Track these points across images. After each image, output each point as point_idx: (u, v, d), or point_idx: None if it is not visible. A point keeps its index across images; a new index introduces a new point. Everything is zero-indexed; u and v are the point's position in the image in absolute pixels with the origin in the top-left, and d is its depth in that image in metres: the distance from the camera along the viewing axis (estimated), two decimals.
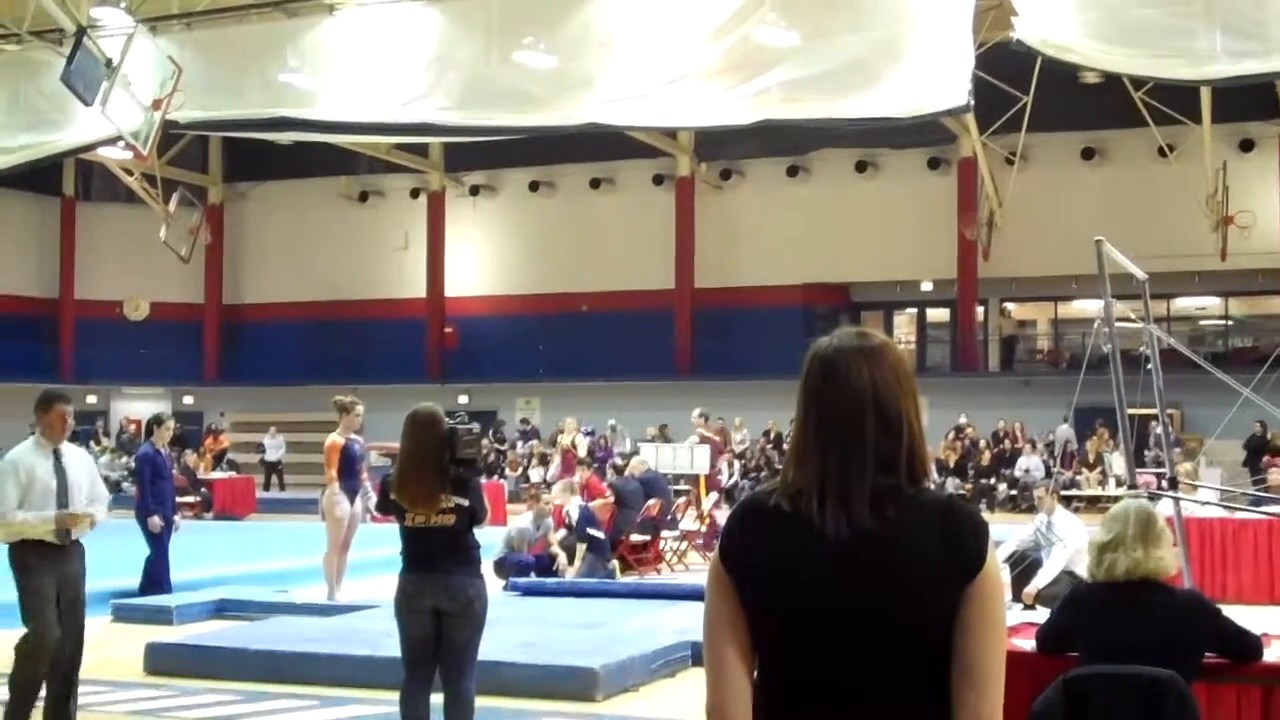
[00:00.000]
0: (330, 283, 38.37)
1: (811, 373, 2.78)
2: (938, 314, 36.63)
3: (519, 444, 32.56)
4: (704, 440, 22.29)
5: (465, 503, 6.70)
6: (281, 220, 39.59)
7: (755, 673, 2.76)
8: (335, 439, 13.52)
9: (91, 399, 39.38)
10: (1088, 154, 32.29)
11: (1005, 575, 12.84)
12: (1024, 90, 27.68)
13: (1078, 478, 26.54)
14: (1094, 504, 24.49)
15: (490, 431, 32.89)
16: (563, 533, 16.03)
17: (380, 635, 9.81)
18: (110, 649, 10.99)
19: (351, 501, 13.40)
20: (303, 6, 24.59)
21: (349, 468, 13.45)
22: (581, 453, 26.00)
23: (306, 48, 23.86)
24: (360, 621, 11.55)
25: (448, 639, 6.73)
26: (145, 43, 23.48)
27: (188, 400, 39.28)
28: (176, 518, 14.36)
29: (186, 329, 39.54)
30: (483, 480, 8.69)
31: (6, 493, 7.67)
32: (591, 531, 15.98)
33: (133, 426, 34.82)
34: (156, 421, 14.39)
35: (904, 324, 37.78)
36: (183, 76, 22.65)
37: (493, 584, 14.39)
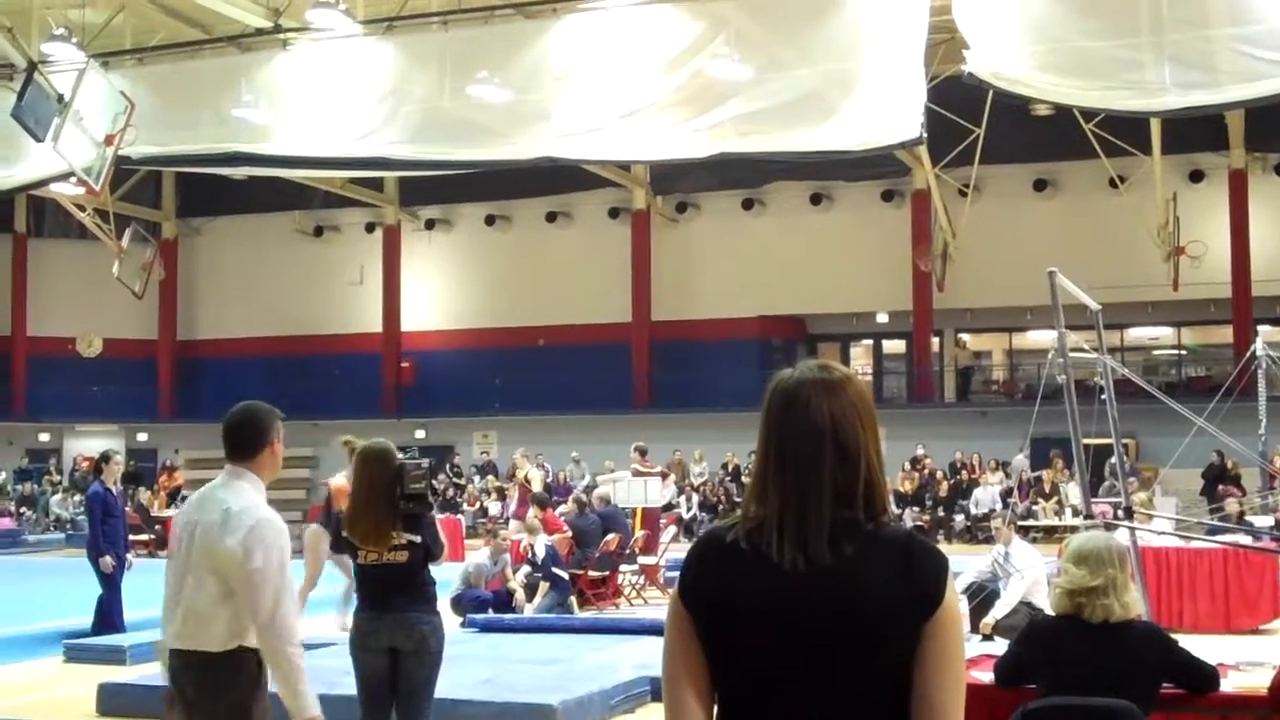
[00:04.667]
0: (285, 318, 38.19)
1: (772, 405, 2.77)
2: (894, 345, 36.80)
3: (476, 479, 32.44)
4: (639, 475, 22.21)
5: (418, 539, 6.63)
6: (236, 255, 39.40)
7: (715, 709, 2.73)
8: (342, 483, 13.18)
9: (44, 437, 39.02)
10: (1040, 185, 32.53)
11: (963, 606, 12.88)
12: (976, 122, 27.89)
13: (1034, 508, 26.64)
14: (1050, 534, 24.60)
15: (446, 466, 32.74)
16: (525, 569, 15.93)
17: (337, 674, 9.70)
18: (62, 689, 10.85)
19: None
20: (257, 41, 24.55)
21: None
22: (536, 486, 25.87)
23: (260, 82, 23.80)
24: (317, 660, 11.41)
25: (404, 677, 6.65)
26: (97, 78, 23.40)
27: (142, 437, 38.95)
28: (129, 555, 14.22)
29: (140, 365, 39.24)
30: (439, 516, 8.57)
31: None
32: (557, 571, 15.90)
33: (85, 464, 34.50)
34: (105, 459, 14.24)
35: (860, 355, 37.92)
36: (135, 112, 22.59)
37: (450, 621, 14.34)
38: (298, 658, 5.11)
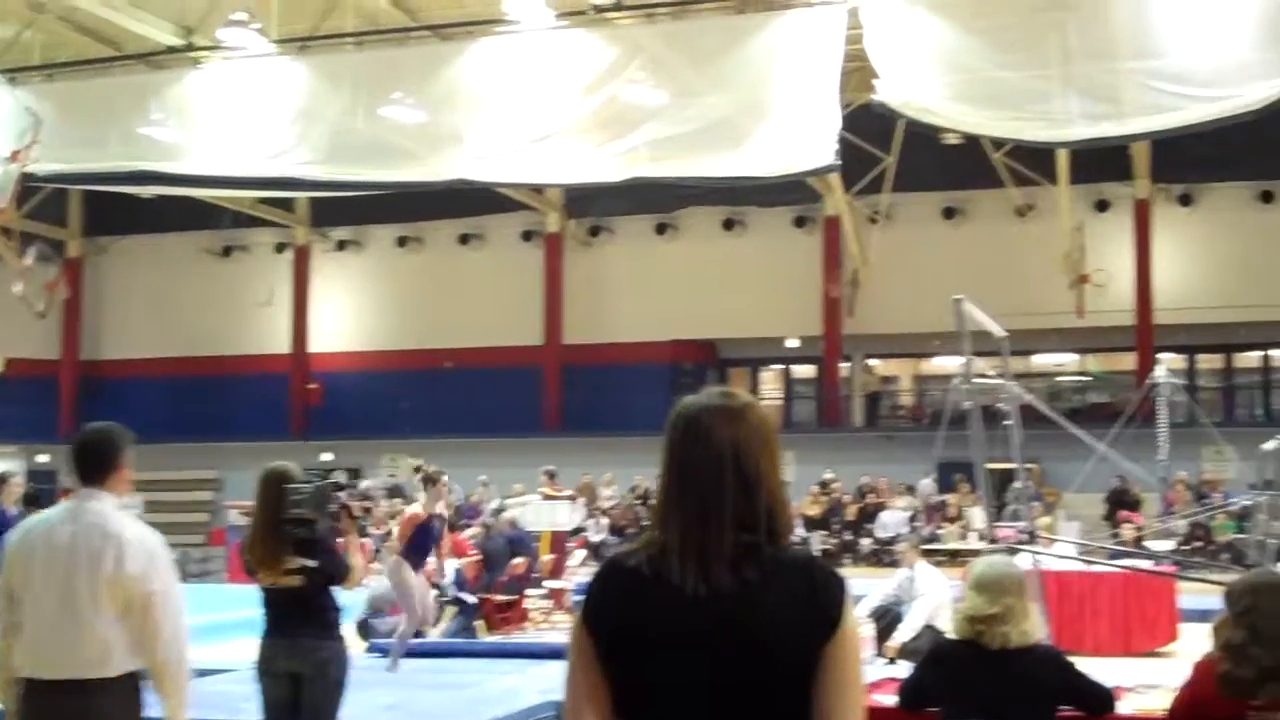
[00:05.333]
0: (192, 338, 37.69)
1: (674, 432, 2.79)
2: (803, 370, 36.98)
3: (383, 502, 32.16)
4: (548, 498, 22.18)
5: (313, 564, 6.54)
6: (143, 275, 38.85)
7: None
8: (417, 511, 12.90)
9: None
10: (949, 213, 32.87)
11: (868, 630, 12.98)
12: (887, 150, 28.22)
13: (939, 532, 26.87)
14: (955, 558, 24.82)
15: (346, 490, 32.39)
16: (431, 593, 15.82)
17: (238, 700, 9.59)
18: None
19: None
20: (168, 59, 24.33)
21: (421, 545, 12.70)
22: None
23: (171, 101, 23.57)
24: (218, 685, 11.29)
25: (305, 703, 6.57)
26: (3, 94, 23.10)
27: (42, 459, 38.20)
28: None
29: (41, 385, 38.52)
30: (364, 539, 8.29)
31: None
32: (463, 596, 15.82)
33: None
34: (3, 480, 13.97)
35: (770, 380, 38.07)
36: (42, 128, 22.27)
37: (356, 646, 14.21)
38: (189, 675, 5.04)
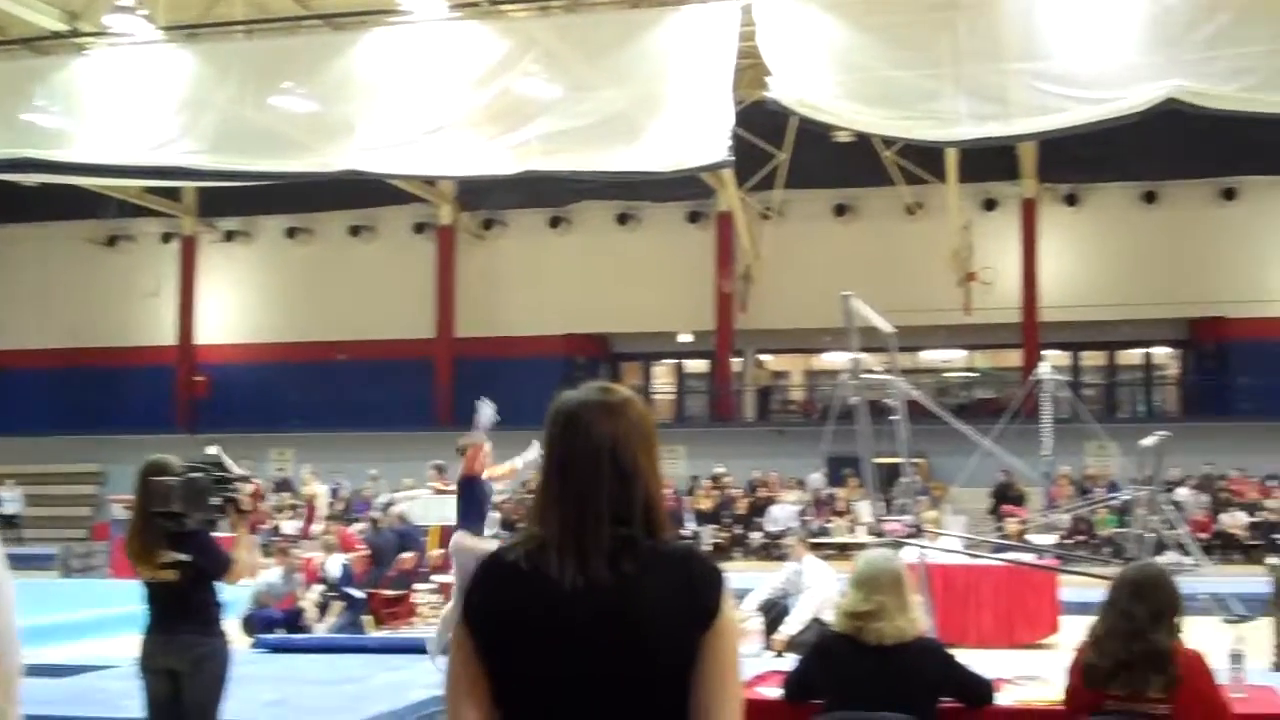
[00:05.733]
0: (76, 329, 36.99)
1: (553, 427, 2.81)
2: (696, 365, 37.14)
3: (271, 496, 31.81)
4: (439, 493, 22.02)
5: (186, 558, 6.43)
6: (25, 264, 38.01)
7: None
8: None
9: None
10: (840, 210, 33.17)
11: (756, 623, 13.05)
12: (780, 147, 28.41)
13: (828, 525, 27.11)
14: (844, 551, 25.05)
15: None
16: (317, 588, 15.68)
17: (118, 696, 9.44)
18: None
19: None
20: (52, 45, 23.84)
21: (477, 508, 12.43)
22: (322, 504, 25.41)
23: (55, 87, 23.11)
24: (98, 682, 11.10)
25: (185, 700, 6.46)
26: None
27: None
28: None
29: None
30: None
31: None
32: (351, 591, 15.68)
33: None
34: None
35: (663, 375, 38.23)
36: None
37: (241, 641, 14.03)
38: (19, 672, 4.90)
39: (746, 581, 18.47)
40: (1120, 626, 5.24)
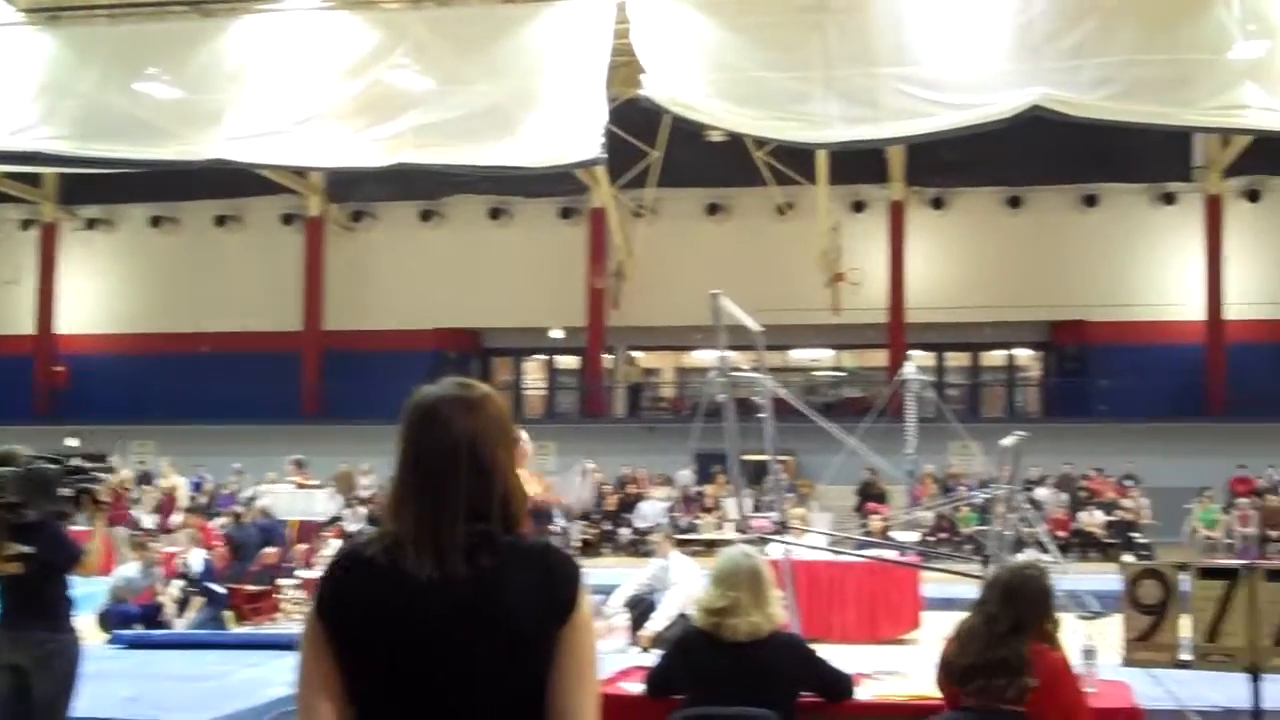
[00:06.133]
0: None
1: (411, 421, 2.79)
2: (567, 361, 37.12)
3: (133, 488, 31.18)
4: (300, 488, 21.83)
5: (29, 550, 6.27)
6: None
7: None
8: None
9: None
10: (712, 209, 33.35)
11: (623, 619, 13.07)
12: (653, 145, 28.48)
13: (697, 522, 27.24)
14: (711, 547, 25.18)
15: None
16: (176, 582, 15.39)
17: None
18: None
19: None
20: None
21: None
22: (182, 497, 24.97)
23: None
24: None
25: (33, 697, 6.30)
26: None
27: None
28: None
29: None
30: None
31: None
32: (212, 586, 15.41)
33: None
34: None
35: (534, 370, 38.15)
36: None
37: (98, 637, 13.73)
38: None
39: (615, 578, 18.51)
40: (982, 629, 5.31)
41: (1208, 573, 6.22)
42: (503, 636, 2.64)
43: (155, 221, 35.60)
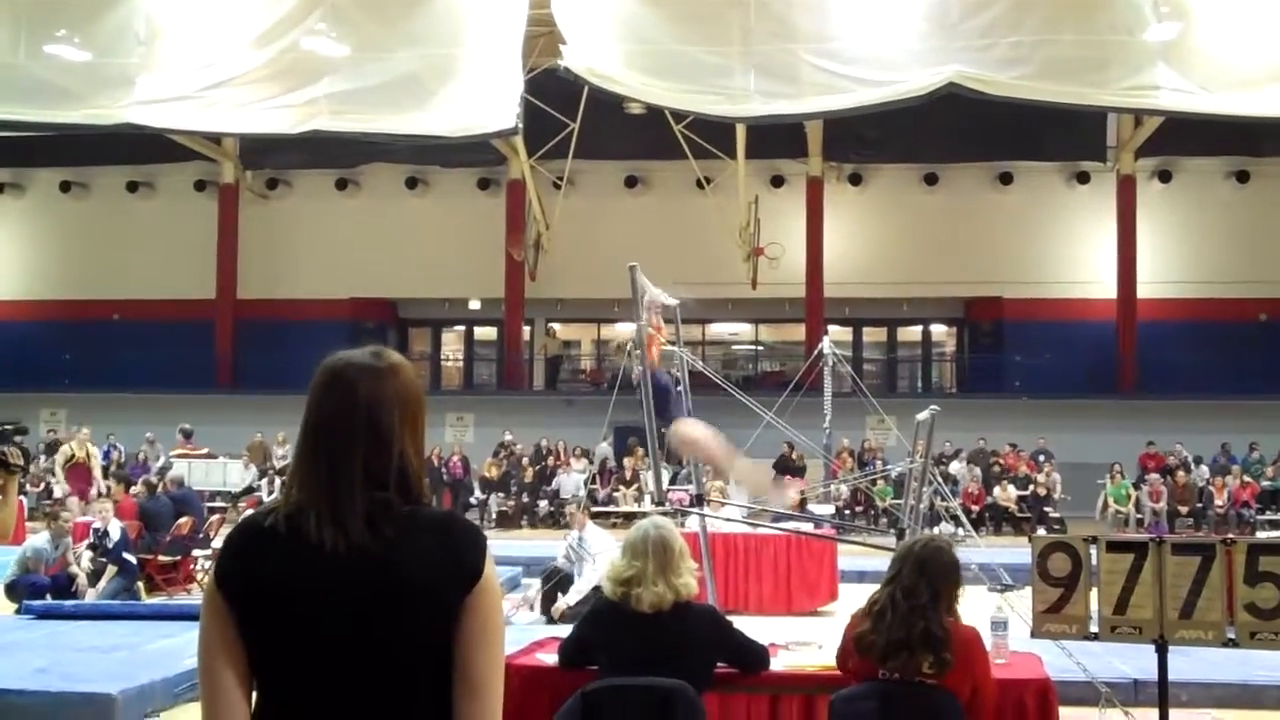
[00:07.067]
0: None
1: (316, 387, 2.77)
2: (485, 332, 37.00)
3: (41, 458, 30.71)
4: (183, 457, 21.64)
5: None
6: None
7: (255, 698, 2.68)
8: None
9: None
10: (631, 182, 33.34)
11: (534, 591, 13.06)
12: (572, 117, 28.36)
13: (615, 494, 27.28)
14: (630, 519, 25.25)
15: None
16: (87, 553, 15.15)
17: None
18: None
19: None
20: None
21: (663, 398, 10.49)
22: (96, 466, 24.60)
23: None
24: None
25: None
26: None
27: None
28: None
29: None
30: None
31: None
32: (127, 556, 15.20)
33: None
34: None
35: (452, 341, 37.99)
36: None
37: (5, 607, 13.54)
38: None
39: (533, 550, 18.50)
40: (901, 603, 5.33)
41: (1116, 546, 6.30)
42: (405, 606, 2.62)
43: (65, 187, 35.03)
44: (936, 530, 18.01)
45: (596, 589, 12.43)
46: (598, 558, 12.85)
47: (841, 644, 5.62)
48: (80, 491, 22.34)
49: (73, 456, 24.08)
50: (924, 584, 5.34)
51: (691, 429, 9.91)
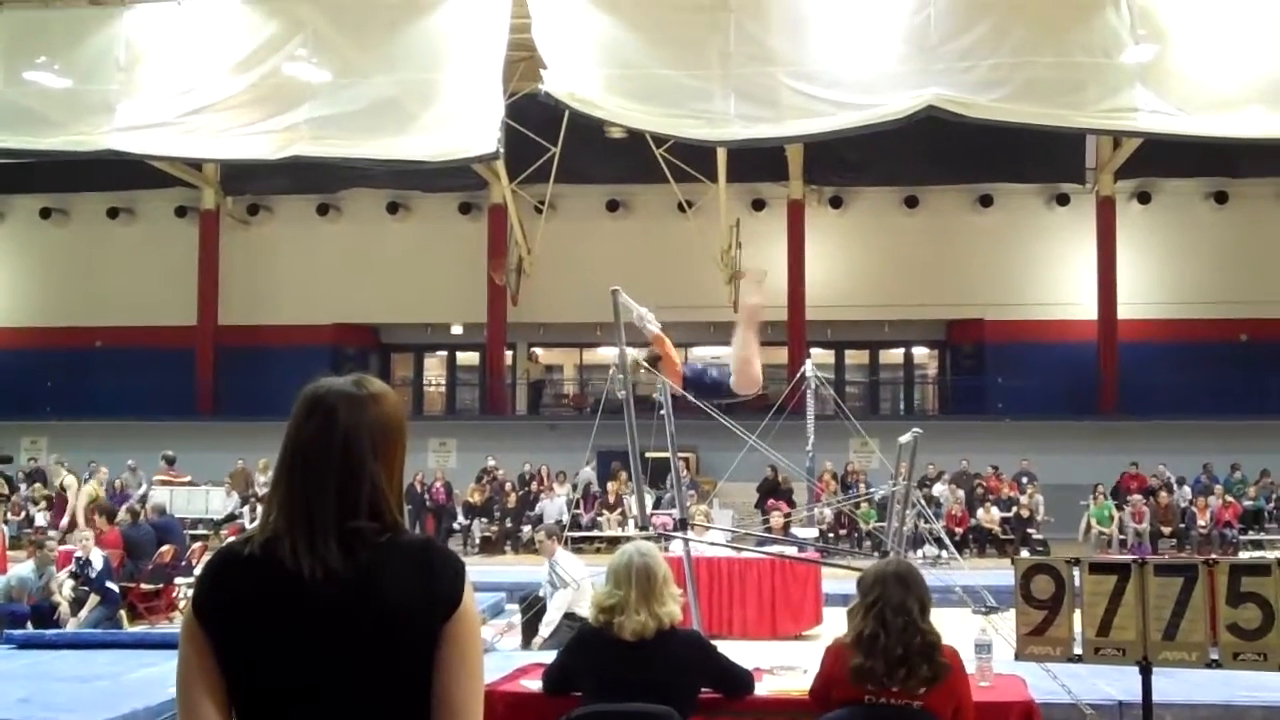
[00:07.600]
0: None
1: (296, 414, 2.77)
2: (468, 357, 36.95)
3: (22, 487, 30.56)
4: (165, 484, 21.54)
5: None
6: None
7: None
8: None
9: None
10: (612, 206, 33.37)
11: (517, 618, 12.96)
12: (553, 141, 28.40)
13: (599, 519, 27.22)
14: (614, 544, 25.20)
15: None
16: (69, 582, 15.07)
17: None
18: None
19: None
20: None
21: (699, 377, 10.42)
22: (72, 496, 24.46)
23: None
24: None
25: None
26: None
27: None
28: None
29: None
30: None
31: None
32: (110, 585, 15.12)
33: None
34: None
35: (434, 366, 37.94)
36: None
37: None
38: None
39: (516, 576, 18.43)
40: (895, 622, 5.32)
41: (1099, 567, 6.30)
42: (383, 633, 2.62)
43: (46, 213, 34.95)
44: (919, 553, 18.03)
45: (568, 616, 12.34)
46: (570, 584, 12.74)
47: (819, 678, 5.60)
48: (56, 521, 22.19)
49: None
50: (911, 597, 5.35)
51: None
